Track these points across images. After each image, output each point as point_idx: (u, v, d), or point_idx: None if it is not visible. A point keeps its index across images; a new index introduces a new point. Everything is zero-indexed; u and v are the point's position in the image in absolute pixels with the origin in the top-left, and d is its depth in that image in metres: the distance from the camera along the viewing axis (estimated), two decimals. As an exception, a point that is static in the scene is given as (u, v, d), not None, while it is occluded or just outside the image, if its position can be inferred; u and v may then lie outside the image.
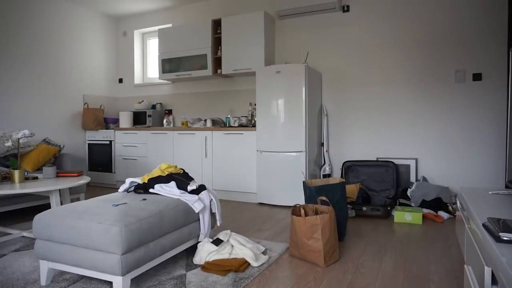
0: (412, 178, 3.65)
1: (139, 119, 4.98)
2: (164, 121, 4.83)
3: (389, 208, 3.30)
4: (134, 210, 1.88)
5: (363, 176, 3.73)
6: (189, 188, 2.31)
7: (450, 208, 3.25)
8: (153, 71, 5.55)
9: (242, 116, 4.31)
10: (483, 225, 1.34)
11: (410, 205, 3.39)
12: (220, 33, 4.40)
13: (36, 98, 4.50)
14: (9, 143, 3.43)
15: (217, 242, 2.19)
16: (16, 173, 2.74)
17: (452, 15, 3.53)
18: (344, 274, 2.02)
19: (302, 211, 2.30)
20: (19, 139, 3.20)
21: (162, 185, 2.30)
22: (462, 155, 3.53)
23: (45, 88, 4.62)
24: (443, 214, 3.20)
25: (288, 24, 4.32)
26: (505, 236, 1.16)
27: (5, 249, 2.45)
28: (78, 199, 3.52)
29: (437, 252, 2.37)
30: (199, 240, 2.30)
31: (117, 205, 1.94)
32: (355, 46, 3.96)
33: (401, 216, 3.14)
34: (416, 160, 3.68)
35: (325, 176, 3.96)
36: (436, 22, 3.60)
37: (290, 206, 3.74)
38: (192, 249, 2.39)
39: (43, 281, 1.88)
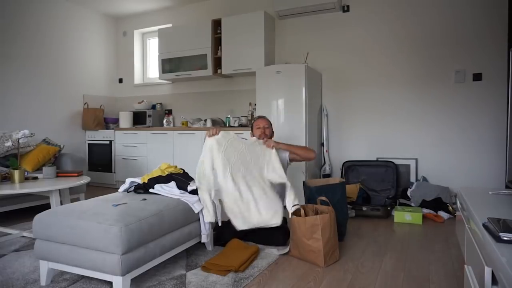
0: (412, 178, 3.65)
1: (139, 119, 4.98)
2: (164, 121, 4.83)
3: (389, 208, 3.30)
4: (134, 210, 1.88)
5: (363, 176, 3.73)
6: (189, 188, 2.31)
7: (450, 208, 3.25)
8: (153, 71, 5.55)
9: (242, 116, 4.30)
10: (483, 225, 1.34)
11: (410, 205, 3.39)
12: (220, 33, 4.40)
13: (36, 98, 4.50)
14: (9, 143, 3.43)
15: None
16: (16, 173, 2.74)
17: (452, 15, 3.53)
18: (344, 274, 2.02)
19: (302, 211, 2.30)
20: (19, 139, 3.20)
21: (162, 185, 2.30)
22: (462, 155, 3.52)
23: (45, 88, 4.62)
24: (443, 214, 3.20)
25: (288, 24, 4.32)
26: (505, 236, 1.16)
27: (5, 249, 2.45)
28: (78, 199, 3.52)
29: (437, 252, 2.37)
30: (201, 241, 2.30)
31: (117, 205, 1.93)
32: (355, 46, 3.96)
33: (401, 216, 3.14)
34: (416, 160, 3.68)
35: (325, 176, 3.95)
36: (436, 22, 3.60)
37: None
38: (192, 249, 2.39)
39: (43, 281, 1.88)
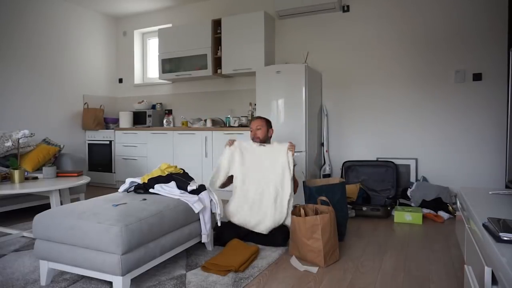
0: (412, 178, 3.65)
1: (139, 119, 4.98)
2: (164, 121, 4.83)
3: (389, 208, 3.30)
4: (134, 210, 1.88)
5: (363, 176, 3.72)
6: (189, 188, 2.31)
7: (450, 208, 3.25)
8: (153, 71, 5.55)
9: (242, 116, 4.30)
10: (483, 225, 1.34)
11: (410, 205, 3.39)
12: (220, 33, 4.40)
13: (36, 98, 4.50)
14: (9, 143, 3.43)
15: None
16: (16, 173, 2.74)
17: (453, 15, 3.53)
18: (344, 274, 2.02)
19: (302, 211, 2.30)
20: (19, 139, 3.20)
21: (162, 185, 2.30)
22: (462, 155, 3.53)
23: (45, 88, 4.62)
24: (443, 214, 3.20)
25: (288, 24, 4.32)
26: (505, 236, 1.16)
27: (5, 249, 2.45)
28: (78, 199, 3.52)
29: (437, 252, 2.37)
30: (202, 241, 2.30)
31: (117, 205, 1.93)
32: (355, 46, 3.96)
33: (401, 216, 3.14)
34: (416, 160, 3.68)
35: (325, 176, 3.95)
36: (436, 22, 3.60)
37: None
38: (192, 249, 2.39)
39: (43, 281, 1.88)
